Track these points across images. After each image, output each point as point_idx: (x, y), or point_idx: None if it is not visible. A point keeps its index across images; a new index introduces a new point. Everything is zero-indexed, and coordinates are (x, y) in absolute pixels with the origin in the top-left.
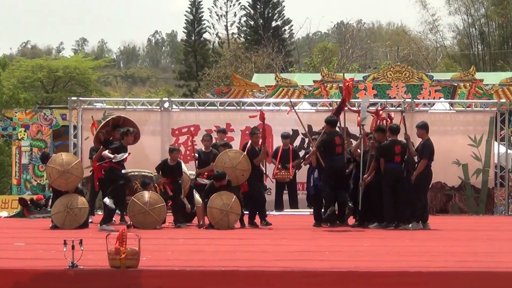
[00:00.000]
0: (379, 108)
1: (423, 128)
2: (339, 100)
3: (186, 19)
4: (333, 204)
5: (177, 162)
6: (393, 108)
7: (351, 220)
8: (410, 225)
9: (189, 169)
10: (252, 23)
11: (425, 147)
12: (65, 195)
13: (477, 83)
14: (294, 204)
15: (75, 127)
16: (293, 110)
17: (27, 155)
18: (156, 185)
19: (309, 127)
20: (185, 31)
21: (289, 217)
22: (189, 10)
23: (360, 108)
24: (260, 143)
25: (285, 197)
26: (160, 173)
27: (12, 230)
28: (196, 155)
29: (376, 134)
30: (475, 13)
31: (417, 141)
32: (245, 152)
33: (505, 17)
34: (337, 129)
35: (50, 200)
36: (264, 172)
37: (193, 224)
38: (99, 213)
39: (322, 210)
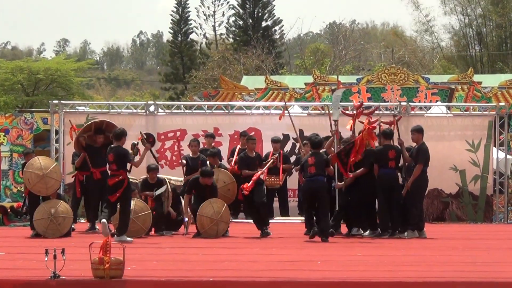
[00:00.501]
0: (369, 111)
1: (419, 132)
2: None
3: (172, 19)
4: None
5: (157, 179)
6: (388, 112)
7: (344, 229)
8: (406, 233)
9: (176, 175)
10: (241, 23)
11: (420, 152)
12: (48, 201)
13: (475, 86)
14: (284, 212)
15: (57, 132)
16: (287, 114)
17: (7, 160)
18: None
19: (301, 131)
20: (171, 31)
21: (279, 225)
22: (175, 9)
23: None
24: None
25: (276, 204)
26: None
27: None
28: (184, 161)
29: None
30: (472, 13)
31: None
32: (236, 158)
33: (504, 17)
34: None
35: (25, 208)
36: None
37: (179, 233)
38: (82, 221)
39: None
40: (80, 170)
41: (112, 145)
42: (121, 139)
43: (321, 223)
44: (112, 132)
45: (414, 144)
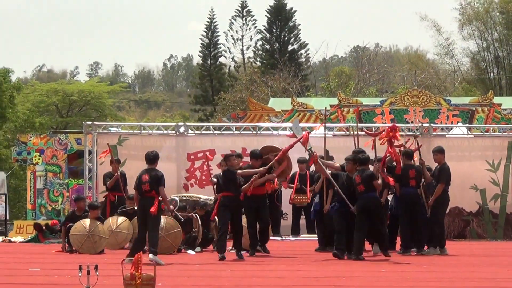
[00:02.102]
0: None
1: (441, 152)
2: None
3: (201, 43)
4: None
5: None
6: (410, 133)
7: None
8: (428, 250)
9: (205, 194)
10: (268, 47)
11: (442, 171)
12: (88, 219)
13: (496, 108)
14: (311, 229)
15: (90, 152)
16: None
17: (42, 179)
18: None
19: (326, 152)
20: (201, 55)
21: (306, 242)
22: (204, 34)
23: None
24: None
25: (302, 221)
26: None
27: (27, 255)
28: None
29: (347, 164)
30: (489, 37)
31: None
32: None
33: None
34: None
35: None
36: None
37: (208, 250)
38: None
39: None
40: (111, 191)
41: (147, 168)
42: (155, 162)
43: (380, 238)
44: (146, 156)
45: (436, 165)
